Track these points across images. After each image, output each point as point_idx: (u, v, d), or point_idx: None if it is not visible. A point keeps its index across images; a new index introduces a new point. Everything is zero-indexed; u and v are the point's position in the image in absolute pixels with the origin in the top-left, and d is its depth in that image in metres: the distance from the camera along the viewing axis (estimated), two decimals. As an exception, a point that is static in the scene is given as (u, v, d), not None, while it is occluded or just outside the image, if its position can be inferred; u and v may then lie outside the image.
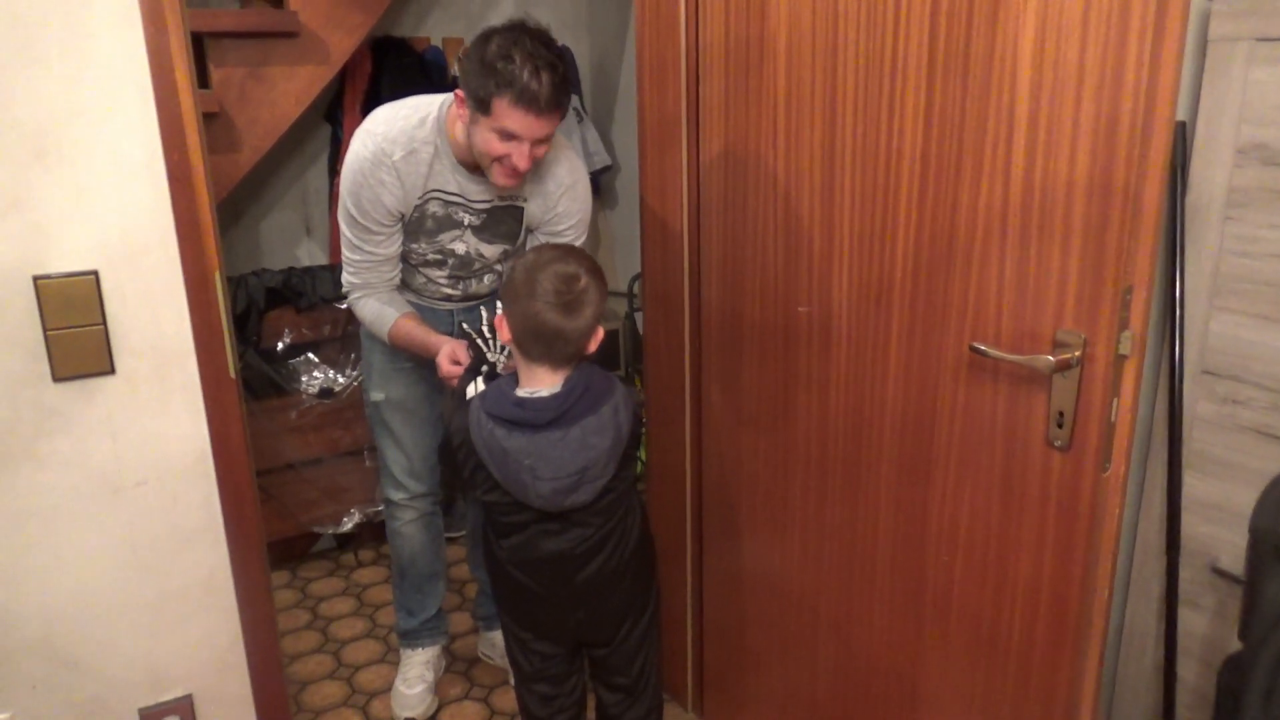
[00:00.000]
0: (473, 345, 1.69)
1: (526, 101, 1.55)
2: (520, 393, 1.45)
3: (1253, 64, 1.50)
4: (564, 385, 1.45)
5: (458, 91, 1.65)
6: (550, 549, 1.52)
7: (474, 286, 1.95)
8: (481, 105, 1.59)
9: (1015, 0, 1.15)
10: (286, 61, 2.42)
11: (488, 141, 1.62)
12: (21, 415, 1.33)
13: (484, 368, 1.64)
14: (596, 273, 1.47)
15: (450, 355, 1.72)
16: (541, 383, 1.45)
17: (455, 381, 1.68)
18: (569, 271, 1.43)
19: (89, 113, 1.29)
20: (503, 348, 1.68)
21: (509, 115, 1.57)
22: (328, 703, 2.24)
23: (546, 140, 1.65)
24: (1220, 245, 1.58)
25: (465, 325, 1.77)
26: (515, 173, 1.65)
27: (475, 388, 1.59)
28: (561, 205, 1.84)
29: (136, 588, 1.47)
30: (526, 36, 1.56)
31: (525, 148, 1.61)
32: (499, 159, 1.63)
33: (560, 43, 1.63)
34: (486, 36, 1.58)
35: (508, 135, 1.60)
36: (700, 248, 1.80)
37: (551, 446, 1.42)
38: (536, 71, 1.54)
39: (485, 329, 1.70)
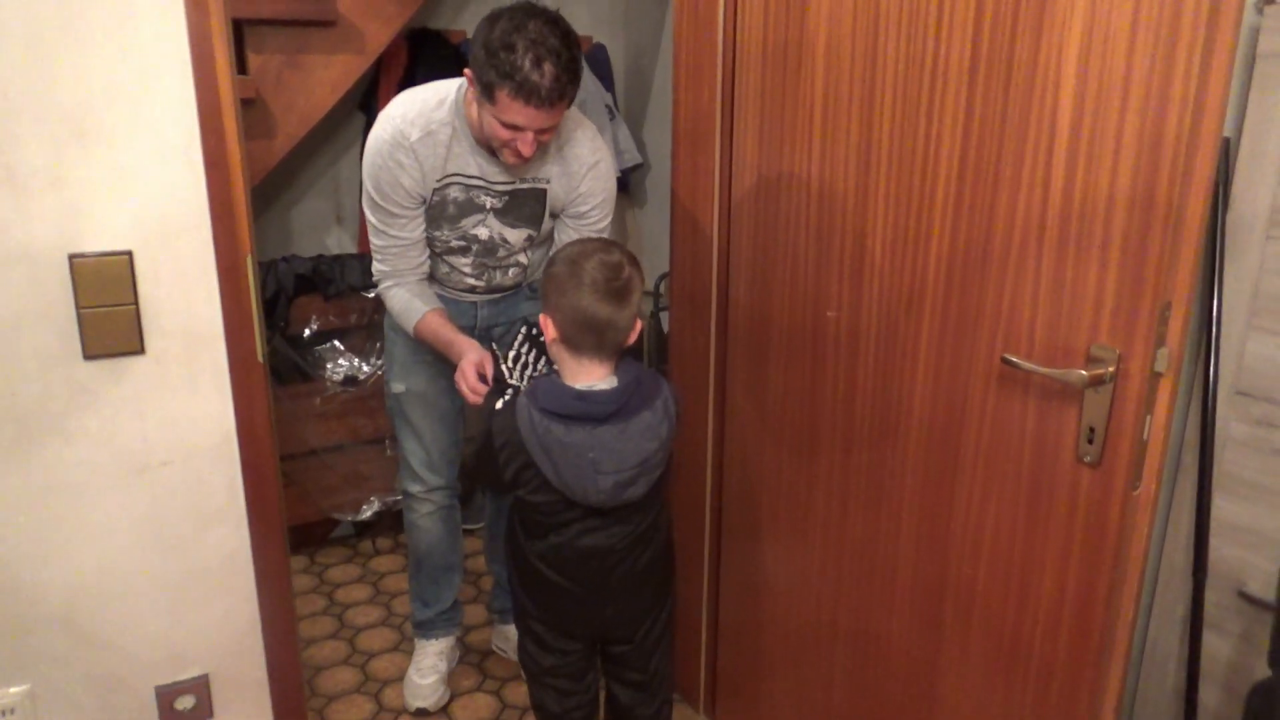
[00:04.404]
0: (497, 365, 1.68)
1: (527, 94, 1.52)
2: (579, 386, 1.45)
3: (1301, 80, 1.47)
4: (620, 378, 1.45)
5: (467, 70, 1.63)
6: (591, 545, 1.51)
7: (498, 278, 1.95)
8: (486, 91, 1.57)
9: (1062, 7, 1.13)
10: (324, 50, 2.44)
11: (492, 126, 1.61)
12: (52, 391, 1.35)
13: (507, 391, 1.62)
14: (636, 263, 1.48)
15: (477, 366, 1.69)
16: (594, 376, 1.46)
17: (476, 398, 1.66)
18: (613, 260, 1.43)
19: (129, 94, 1.30)
20: (524, 373, 1.66)
21: (510, 108, 1.55)
22: (341, 689, 2.25)
23: (553, 128, 1.64)
24: (1261, 264, 1.55)
25: (494, 346, 1.75)
26: (521, 156, 1.65)
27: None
28: (585, 184, 1.83)
29: (158, 566, 1.48)
30: (532, 20, 1.51)
31: (530, 136, 1.60)
32: (505, 143, 1.63)
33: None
34: (494, 18, 1.55)
35: (511, 125, 1.59)
36: (730, 248, 1.79)
37: (614, 439, 1.42)
38: (539, 63, 1.50)
39: (510, 357, 1.68)
